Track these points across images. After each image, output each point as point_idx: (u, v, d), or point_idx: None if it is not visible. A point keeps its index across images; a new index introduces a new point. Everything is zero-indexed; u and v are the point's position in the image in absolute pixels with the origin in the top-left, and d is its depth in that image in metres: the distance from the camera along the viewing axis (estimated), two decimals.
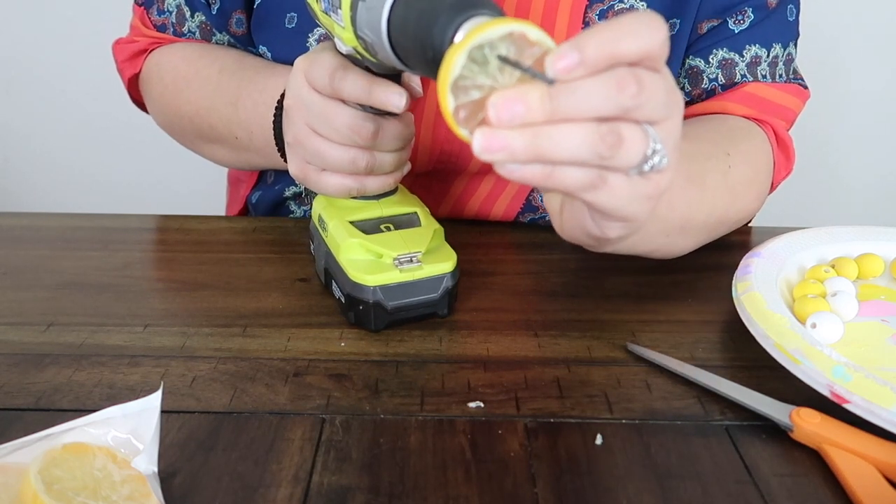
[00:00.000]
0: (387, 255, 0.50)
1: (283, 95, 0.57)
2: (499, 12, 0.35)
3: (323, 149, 0.50)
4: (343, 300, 0.52)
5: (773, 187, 0.68)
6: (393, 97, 0.48)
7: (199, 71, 0.68)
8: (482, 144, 0.33)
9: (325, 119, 0.49)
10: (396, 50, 0.40)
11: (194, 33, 0.71)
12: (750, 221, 0.76)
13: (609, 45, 0.32)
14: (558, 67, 0.32)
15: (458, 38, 0.34)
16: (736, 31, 0.65)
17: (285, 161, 0.59)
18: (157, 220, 0.69)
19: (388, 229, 0.52)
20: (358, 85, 0.48)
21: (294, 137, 0.52)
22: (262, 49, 0.68)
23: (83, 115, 1.47)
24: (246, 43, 0.71)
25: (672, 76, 0.36)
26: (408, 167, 0.55)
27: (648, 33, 0.33)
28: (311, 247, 0.59)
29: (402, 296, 0.50)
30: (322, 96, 0.49)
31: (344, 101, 0.49)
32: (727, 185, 0.59)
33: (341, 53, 0.48)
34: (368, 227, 0.52)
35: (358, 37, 0.43)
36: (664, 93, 0.34)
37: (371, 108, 0.49)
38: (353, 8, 0.42)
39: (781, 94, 0.67)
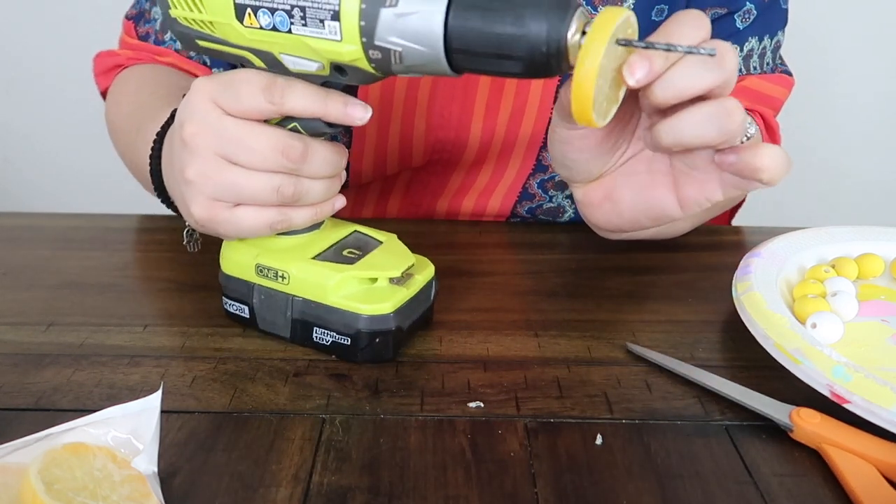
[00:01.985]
0: (382, 277, 0.48)
1: (163, 129, 0.53)
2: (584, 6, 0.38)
3: (240, 179, 0.44)
4: (348, 342, 0.47)
5: None
6: (356, 109, 0.43)
7: (138, 90, 0.66)
8: (637, 61, 0.37)
9: (242, 144, 0.43)
10: (453, 52, 0.38)
11: (176, 41, 0.71)
12: (738, 208, 0.76)
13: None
14: (638, 78, 0.38)
15: (572, 32, 0.36)
16: (741, 28, 0.66)
17: (166, 204, 0.55)
18: (157, 220, 0.69)
19: (354, 254, 0.49)
20: (309, 94, 0.43)
21: (199, 172, 0.44)
22: None
23: (83, 115, 1.46)
24: None
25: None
26: (340, 203, 0.49)
27: (696, 31, 0.39)
28: (237, 307, 0.51)
29: (411, 312, 0.49)
30: (237, 119, 0.43)
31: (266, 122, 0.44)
32: None
33: (294, 74, 0.43)
34: (339, 258, 0.48)
35: (372, 47, 0.39)
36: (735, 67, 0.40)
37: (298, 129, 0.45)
38: (368, 16, 0.38)
39: (771, 86, 0.69)
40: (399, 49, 0.39)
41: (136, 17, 0.72)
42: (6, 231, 0.66)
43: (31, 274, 0.59)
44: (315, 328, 0.48)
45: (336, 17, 0.39)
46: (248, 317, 0.50)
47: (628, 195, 0.47)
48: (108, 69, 0.73)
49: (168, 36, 0.71)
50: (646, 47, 0.37)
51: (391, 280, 0.48)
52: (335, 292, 0.47)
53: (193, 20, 0.44)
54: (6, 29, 1.42)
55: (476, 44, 0.37)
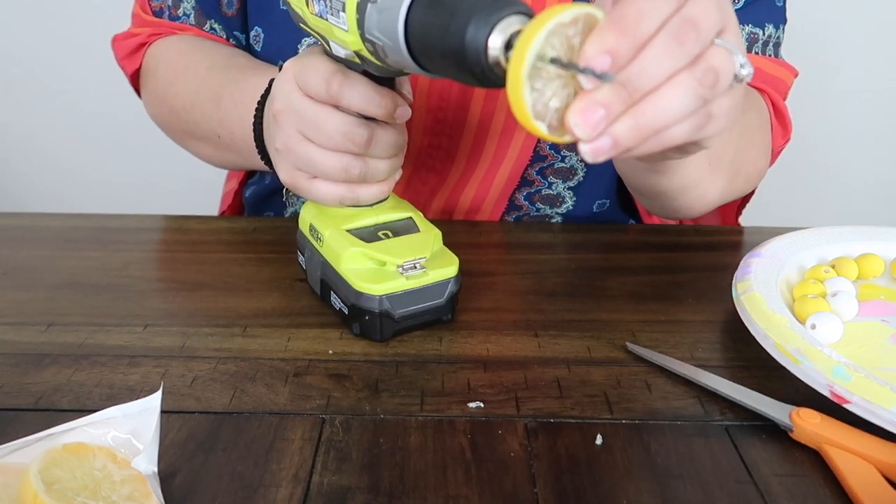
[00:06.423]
0: (391, 262, 0.49)
1: (263, 97, 0.56)
2: (528, 9, 0.34)
3: (315, 156, 0.49)
4: (346, 311, 0.50)
5: (773, 155, 0.69)
6: (401, 112, 0.48)
7: (189, 65, 0.68)
8: (591, 149, 0.33)
9: (317, 125, 0.48)
10: (415, 53, 0.38)
11: (189, 16, 0.71)
12: (746, 201, 0.76)
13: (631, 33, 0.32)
14: (598, 70, 0.31)
15: (493, 40, 0.33)
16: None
17: (266, 164, 0.58)
18: (157, 220, 0.69)
19: (387, 236, 0.51)
20: (361, 94, 0.47)
21: (284, 144, 0.50)
22: (257, 30, 0.68)
23: (83, 115, 1.47)
24: (236, 27, 0.71)
25: None
26: (399, 174, 0.54)
27: (665, 5, 0.33)
28: (301, 258, 0.56)
29: (409, 303, 0.49)
30: (314, 102, 0.48)
31: (337, 108, 0.48)
32: (745, 126, 0.61)
33: (336, 57, 0.47)
34: (366, 235, 0.51)
35: (365, 39, 0.41)
36: (715, 4, 0.34)
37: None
38: (361, 10, 0.40)
39: (774, 66, 0.68)
40: (381, 43, 0.40)
41: None
42: (6, 231, 0.66)
43: (31, 274, 0.59)
44: (332, 291, 0.52)
45: (343, 8, 0.42)
46: (305, 268, 0.56)
47: None
48: (131, 51, 0.73)
49: (181, 11, 0.71)
50: (585, 74, 0.32)
51: (399, 267, 0.49)
52: (346, 264, 0.50)
53: (294, 4, 0.49)
54: (6, 29, 1.42)
55: (429, 43, 0.37)
